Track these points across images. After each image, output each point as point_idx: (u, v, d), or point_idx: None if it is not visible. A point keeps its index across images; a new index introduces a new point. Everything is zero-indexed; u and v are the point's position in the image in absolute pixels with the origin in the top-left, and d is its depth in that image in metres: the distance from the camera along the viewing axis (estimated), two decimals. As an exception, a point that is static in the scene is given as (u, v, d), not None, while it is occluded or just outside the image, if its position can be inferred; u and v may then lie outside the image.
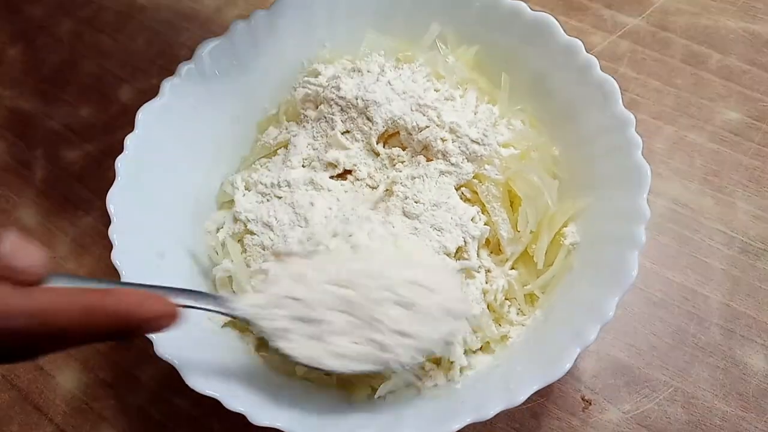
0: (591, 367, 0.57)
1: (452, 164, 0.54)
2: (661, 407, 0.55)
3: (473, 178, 0.54)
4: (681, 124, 0.69)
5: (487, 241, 0.54)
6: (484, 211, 0.54)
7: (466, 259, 0.52)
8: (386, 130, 0.56)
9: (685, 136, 0.68)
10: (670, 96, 0.71)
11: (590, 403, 0.56)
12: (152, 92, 0.57)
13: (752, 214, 0.63)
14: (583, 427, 0.55)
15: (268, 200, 0.56)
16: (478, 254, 0.52)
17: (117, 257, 0.49)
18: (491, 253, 0.54)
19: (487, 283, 0.52)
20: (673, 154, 0.67)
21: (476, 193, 0.54)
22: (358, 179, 0.56)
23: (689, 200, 0.64)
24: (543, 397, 0.56)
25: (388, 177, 0.55)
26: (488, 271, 0.53)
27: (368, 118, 0.55)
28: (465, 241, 0.51)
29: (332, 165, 0.56)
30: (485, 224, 0.53)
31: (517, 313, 0.53)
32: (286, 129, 0.60)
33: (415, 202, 0.52)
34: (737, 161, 0.66)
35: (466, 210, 0.52)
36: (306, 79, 0.61)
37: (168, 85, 0.57)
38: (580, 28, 0.77)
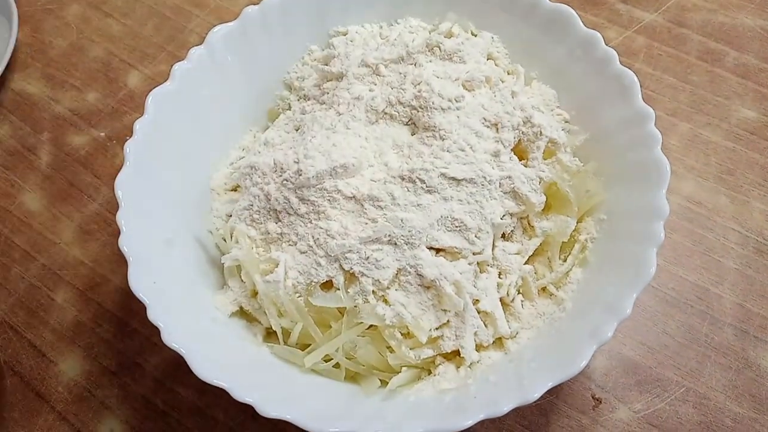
0: (602, 365, 0.56)
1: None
2: (672, 407, 0.54)
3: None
4: (696, 121, 0.68)
5: (504, 235, 0.53)
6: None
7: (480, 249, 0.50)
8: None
9: (700, 134, 0.67)
10: (686, 93, 0.70)
11: (600, 402, 0.55)
12: (160, 78, 0.56)
13: (767, 213, 0.62)
14: (593, 425, 0.54)
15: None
16: (494, 247, 0.51)
17: (125, 243, 0.48)
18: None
19: (501, 277, 0.51)
20: (688, 151, 0.67)
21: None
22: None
23: (704, 198, 0.64)
24: (553, 394, 0.55)
25: (407, 163, 0.52)
26: (501, 266, 0.52)
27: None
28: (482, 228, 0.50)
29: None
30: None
31: (531, 309, 0.52)
32: (302, 110, 0.59)
33: (437, 178, 0.50)
34: (753, 160, 0.65)
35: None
36: (320, 65, 0.60)
37: (178, 70, 0.56)
38: (596, 22, 0.76)
